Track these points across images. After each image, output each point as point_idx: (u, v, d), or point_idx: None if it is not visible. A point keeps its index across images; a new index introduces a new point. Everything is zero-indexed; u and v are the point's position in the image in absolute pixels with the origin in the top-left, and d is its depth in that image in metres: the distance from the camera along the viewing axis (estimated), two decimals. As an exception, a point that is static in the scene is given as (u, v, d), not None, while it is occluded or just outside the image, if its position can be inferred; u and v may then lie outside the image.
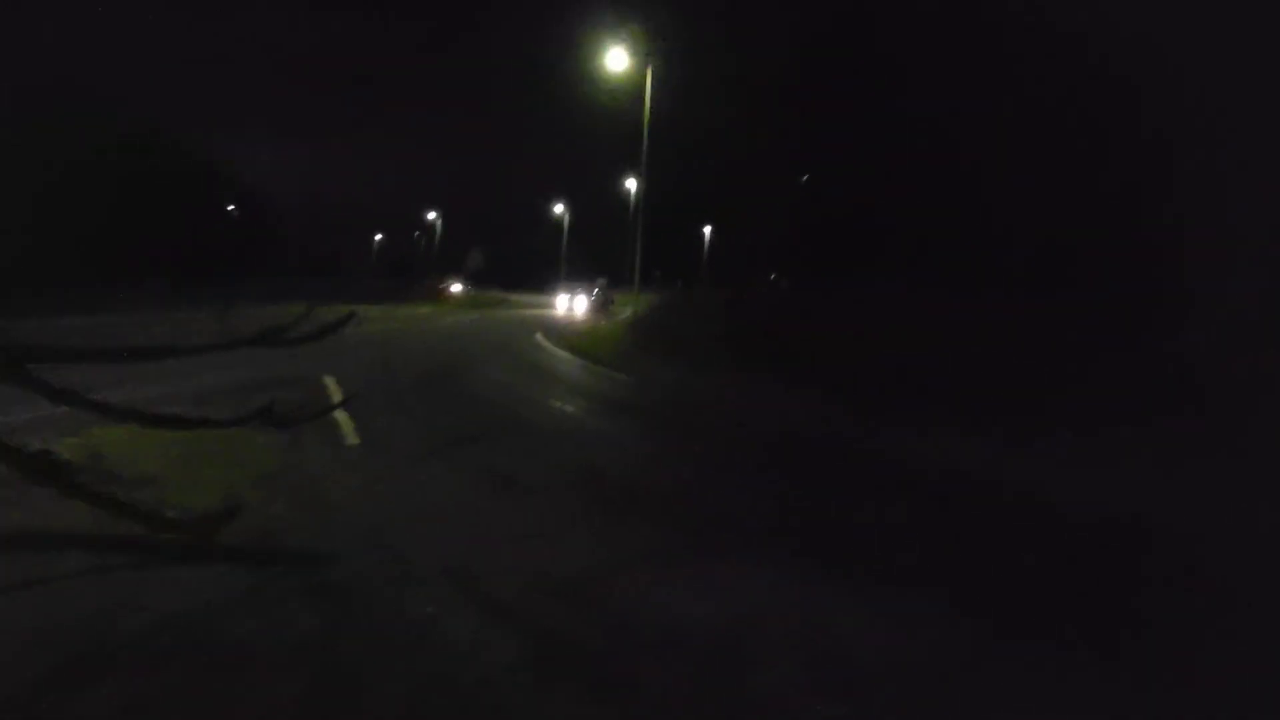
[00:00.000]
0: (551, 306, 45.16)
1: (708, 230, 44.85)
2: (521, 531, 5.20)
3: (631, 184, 38.44)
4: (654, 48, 21.67)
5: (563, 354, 18.16)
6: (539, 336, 22.77)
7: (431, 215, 70.66)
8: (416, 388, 11.75)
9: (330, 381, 11.19)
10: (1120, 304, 10.29)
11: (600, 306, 37.23)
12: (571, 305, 37.62)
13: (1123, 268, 10.72)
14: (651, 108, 21.74)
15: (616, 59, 21.43)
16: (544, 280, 58.69)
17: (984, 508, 6.65)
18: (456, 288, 53.92)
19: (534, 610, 3.84)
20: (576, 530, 5.33)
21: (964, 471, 7.95)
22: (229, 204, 52.21)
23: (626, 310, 29.20)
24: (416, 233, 75.78)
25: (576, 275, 72.07)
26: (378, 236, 79.14)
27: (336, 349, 16.33)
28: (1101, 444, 8.10)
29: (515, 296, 54.30)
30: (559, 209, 65.44)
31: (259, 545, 4.34)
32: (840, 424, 10.54)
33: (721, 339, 16.75)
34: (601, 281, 41.96)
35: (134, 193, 33.74)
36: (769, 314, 17.22)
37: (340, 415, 8.86)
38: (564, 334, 23.33)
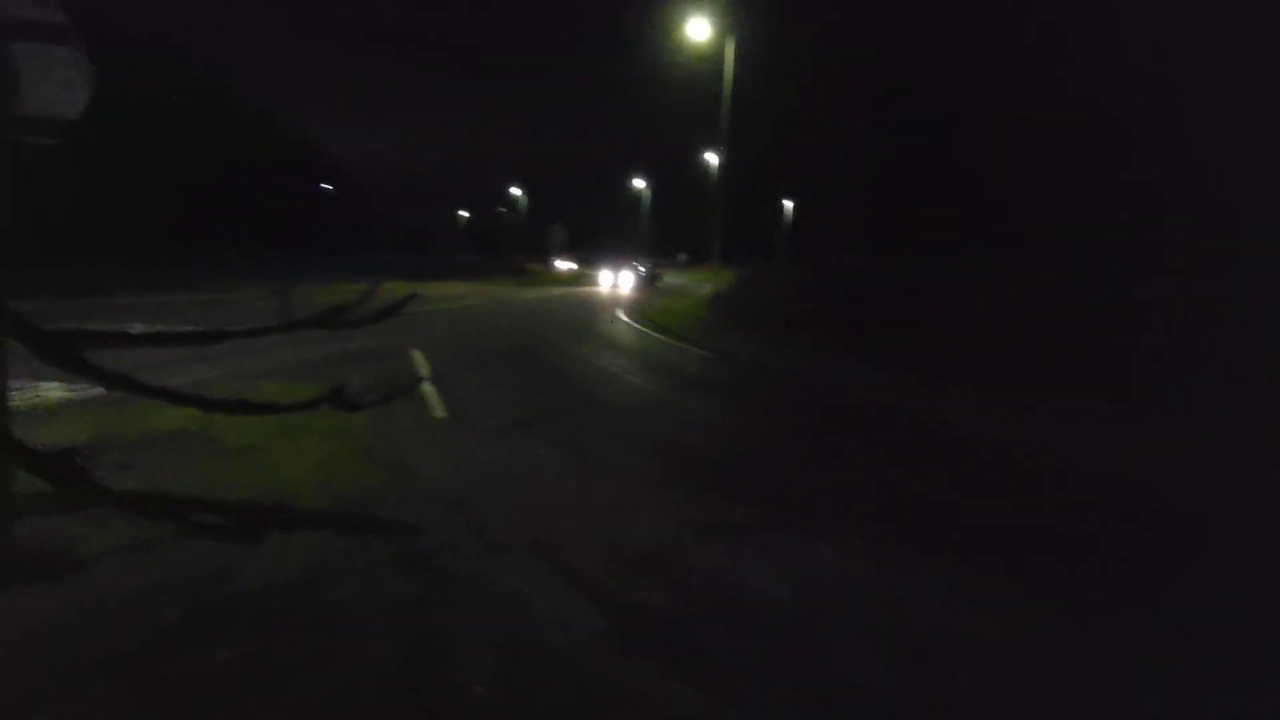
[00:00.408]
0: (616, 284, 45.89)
1: (789, 204, 43.84)
2: (601, 504, 5.27)
3: (712, 158, 38.00)
4: (734, 19, 21.18)
5: (643, 329, 18.21)
6: (619, 312, 22.91)
7: (516, 191, 71.75)
8: (499, 362, 12.03)
9: (418, 355, 11.58)
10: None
11: (646, 284, 36.56)
12: (616, 282, 36.64)
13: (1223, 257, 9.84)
14: (733, 78, 21.33)
15: (698, 28, 21.08)
16: (626, 256, 58.99)
17: (1082, 491, 6.31)
18: (565, 265, 54.48)
19: (614, 582, 3.88)
20: (654, 503, 5.35)
21: (1047, 450, 7.57)
22: (323, 181, 54.39)
23: (706, 286, 29.00)
24: (501, 208, 77.10)
25: (657, 250, 72.05)
26: (463, 212, 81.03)
27: (426, 323, 16.99)
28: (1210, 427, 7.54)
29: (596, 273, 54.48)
30: (639, 184, 65.36)
31: (354, 513, 4.54)
32: (923, 403, 10.19)
33: (803, 315, 16.42)
34: (649, 263, 41.58)
35: (232, 168, 35.56)
36: (851, 290, 16.73)
37: (428, 389, 9.18)
38: (645, 310, 23.38)
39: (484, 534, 4.56)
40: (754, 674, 3.07)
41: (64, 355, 2.64)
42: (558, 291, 34.55)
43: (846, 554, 4.43)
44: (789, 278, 20.60)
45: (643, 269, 37.88)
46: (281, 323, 2.91)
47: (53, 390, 7.72)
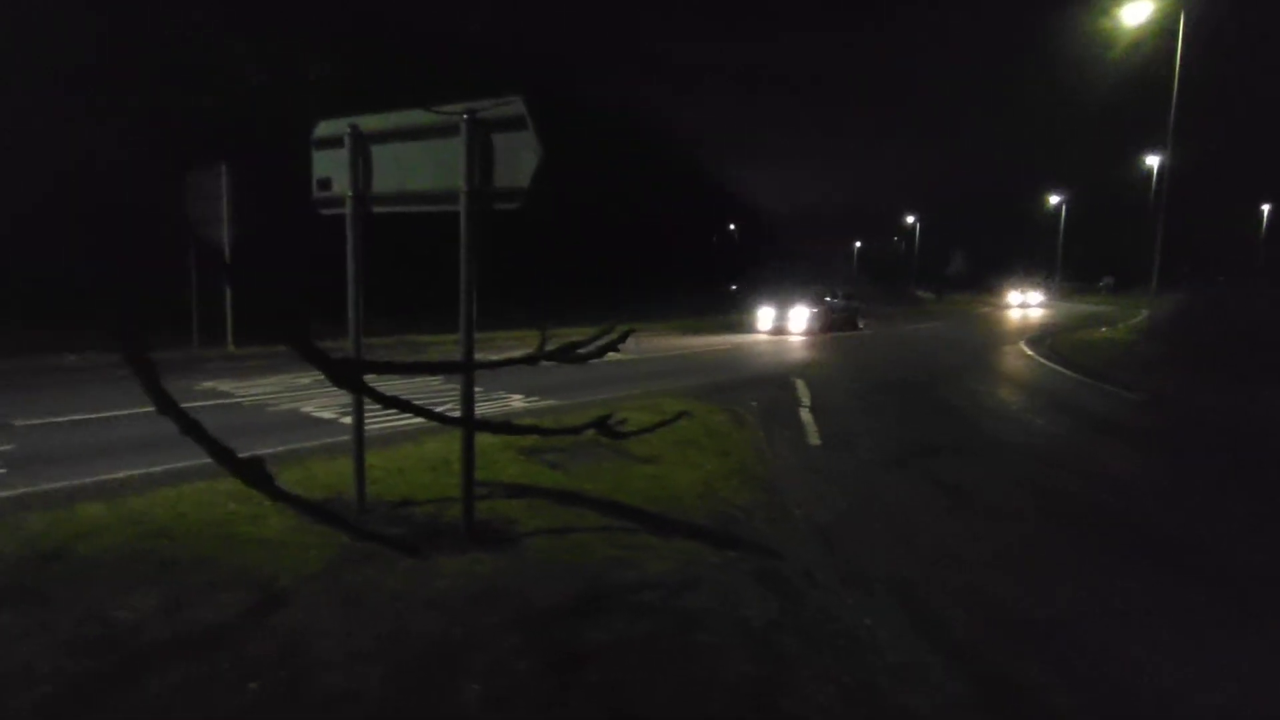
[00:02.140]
0: (1009, 305, 41.67)
1: (1266, 209, 34.37)
2: (979, 556, 4.81)
3: (1153, 161, 31.85)
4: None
5: (1051, 365, 16.03)
6: (1023, 344, 20.51)
7: (910, 219, 69.11)
8: (882, 393, 11.69)
9: (800, 383, 11.86)
10: None
11: (830, 323, 23.10)
12: (782, 321, 22.12)
13: None
14: (1182, 66, 17.69)
15: (1135, 11, 17.99)
16: (1037, 280, 52.68)
17: None
18: (1026, 296, 47.28)
19: (985, 647, 3.52)
20: (1045, 563, 4.70)
21: None
22: (729, 218, 58.92)
23: (1140, 313, 24.33)
24: (895, 238, 75.01)
25: (1078, 274, 62.66)
26: (857, 244, 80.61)
27: (815, 353, 17.34)
28: None
29: (1003, 300, 49.34)
30: (1054, 199, 57.76)
31: (723, 529, 4.86)
32: None
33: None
34: (841, 291, 26.56)
35: (659, 213, 40.54)
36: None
37: (806, 416, 9.37)
38: (1056, 344, 20.57)
39: (845, 567, 4.51)
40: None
41: (351, 380, 3.35)
42: (946, 320, 32.25)
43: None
44: (1259, 302, 16.22)
45: (827, 300, 23.98)
46: (523, 356, 3.32)
47: (516, 401, 9.74)
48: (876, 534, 5.20)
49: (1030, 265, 56.69)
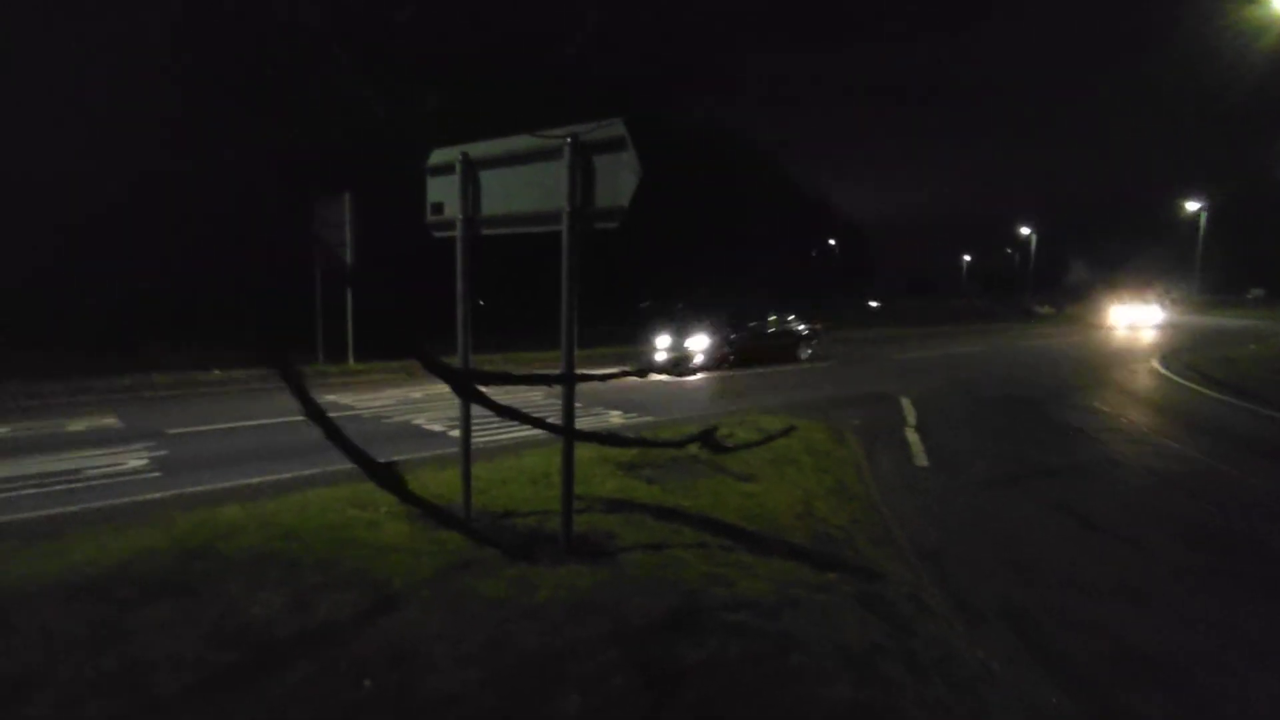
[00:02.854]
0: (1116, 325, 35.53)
1: None
2: (1102, 585, 4.49)
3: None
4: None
5: (1185, 381, 14.77)
6: (1155, 361, 19.00)
7: (1024, 230, 65.62)
8: (994, 412, 11.12)
9: (906, 401, 11.45)
10: None
11: (740, 355, 16.64)
12: (1134, 321, 17.95)
13: None
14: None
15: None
16: (1166, 291, 47.72)
17: None
18: (1138, 314, 38.44)
19: (1108, 683, 3.28)
20: (1177, 597, 4.33)
21: None
22: (829, 234, 57.79)
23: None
24: (1008, 249, 71.33)
25: (1225, 285, 57.27)
26: (966, 257, 77.20)
27: (921, 369, 16.70)
28: None
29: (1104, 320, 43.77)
30: (1191, 206, 53.33)
31: (822, 550, 4.75)
32: None
33: None
34: (776, 314, 18.64)
35: (757, 227, 40.35)
36: None
37: (911, 435, 9.03)
38: (1190, 358, 18.95)
39: (954, 594, 4.31)
40: None
41: (469, 391, 3.45)
42: (1068, 337, 30.29)
43: None
44: None
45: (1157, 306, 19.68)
46: (635, 370, 3.34)
47: (614, 417, 9.90)
48: (989, 559, 4.94)
49: (1159, 275, 51.88)
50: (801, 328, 18.49)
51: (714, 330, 16.42)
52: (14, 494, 6.12)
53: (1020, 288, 62.16)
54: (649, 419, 9.64)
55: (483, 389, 3.62)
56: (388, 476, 3.19)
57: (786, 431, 5.45)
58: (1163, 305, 41.98)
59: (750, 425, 7.95)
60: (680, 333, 16.56)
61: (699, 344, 16.10)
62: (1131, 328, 34.90)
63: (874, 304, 51.95)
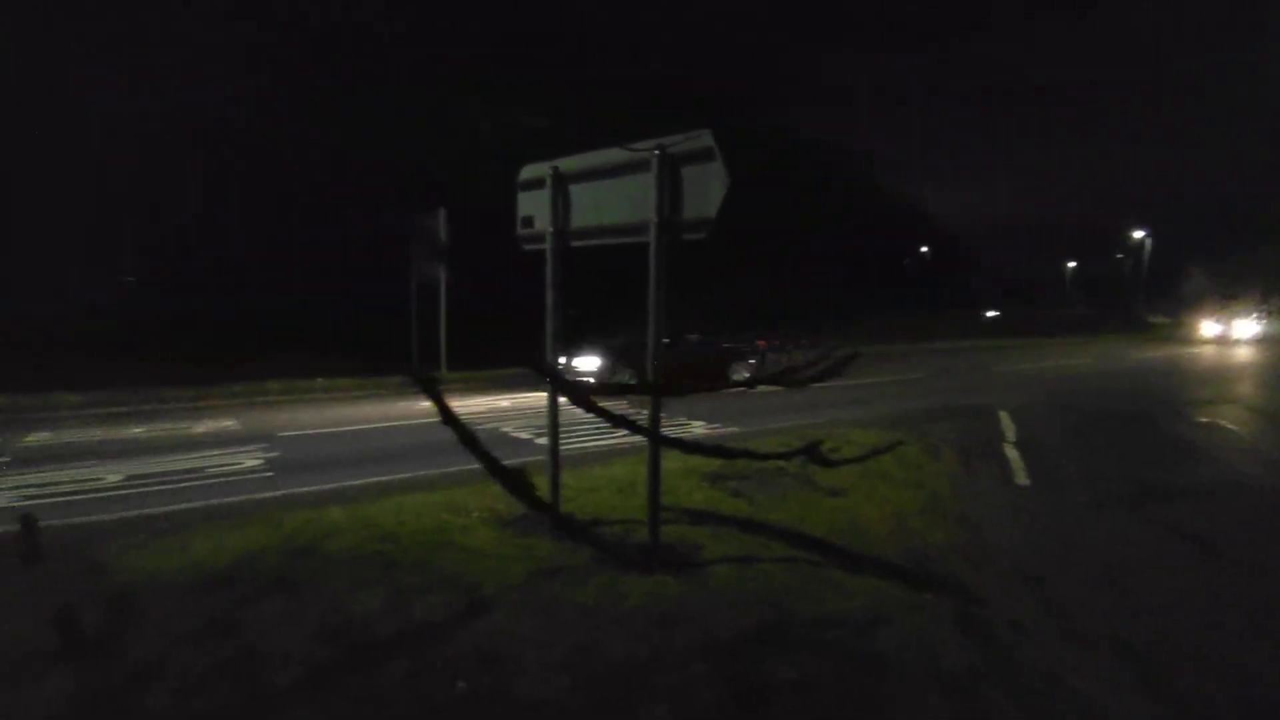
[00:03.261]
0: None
1: None
2: (1229, 618, 4.14)
3: None
4: None
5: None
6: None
7: (1139, 234, 61.53)
8: (1104, 428, 10.46)
9: (1005, 416, 10.92)
10: None
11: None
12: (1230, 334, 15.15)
13: None
14: None
15: None
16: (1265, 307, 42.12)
17: None
18: (1230, 328, 34.49)
19: (1238, 726, 3.02)
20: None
21: None
22: (921, 240, 55.87)
23: None
24: (1119, 254, 67.02)
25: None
26: (1070, 264, 73.01)
27: (1023, 382, 15.91)
28: None
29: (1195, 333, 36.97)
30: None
31: (916, 568, 4.58)
32: None
33: None
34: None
35: (849, 235, 39.60)
36: None
37: (1011, 451, 8.62)
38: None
39: (1061, 621, 4.07)
40: None
41: (582, 400, 3.47)
42: (1185, 349, 28.20)
43: None
44: None
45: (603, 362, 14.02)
46: (744, 380, 3.30)
47: (698, 427, 9.87)
48: (1098, 585, 4.64)
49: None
50: (741, 345, 15.38)
51: (608, 347, 13.71)
52: (147, 490, 6.67)
53: (1131, 296, 58.30)
54: (733, 429, 9.56)
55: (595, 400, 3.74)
56: (515, 480, 3.35)
57: (892, 447, 5.31)
58: (1261, 318, 37.68)
59: (840, 438, 7.76)
60: (602, 350, 13.76)
61: (588, 363, 13.54)
62: (1221, 340, 32.05)
63: (990, 314, 49.26)
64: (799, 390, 6.29)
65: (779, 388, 3.31)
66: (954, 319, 38.25)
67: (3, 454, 8.27)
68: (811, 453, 3.41)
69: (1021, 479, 7.43)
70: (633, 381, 12.14)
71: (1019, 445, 8.88)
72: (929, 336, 29.69)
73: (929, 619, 3.75)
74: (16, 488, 6.79)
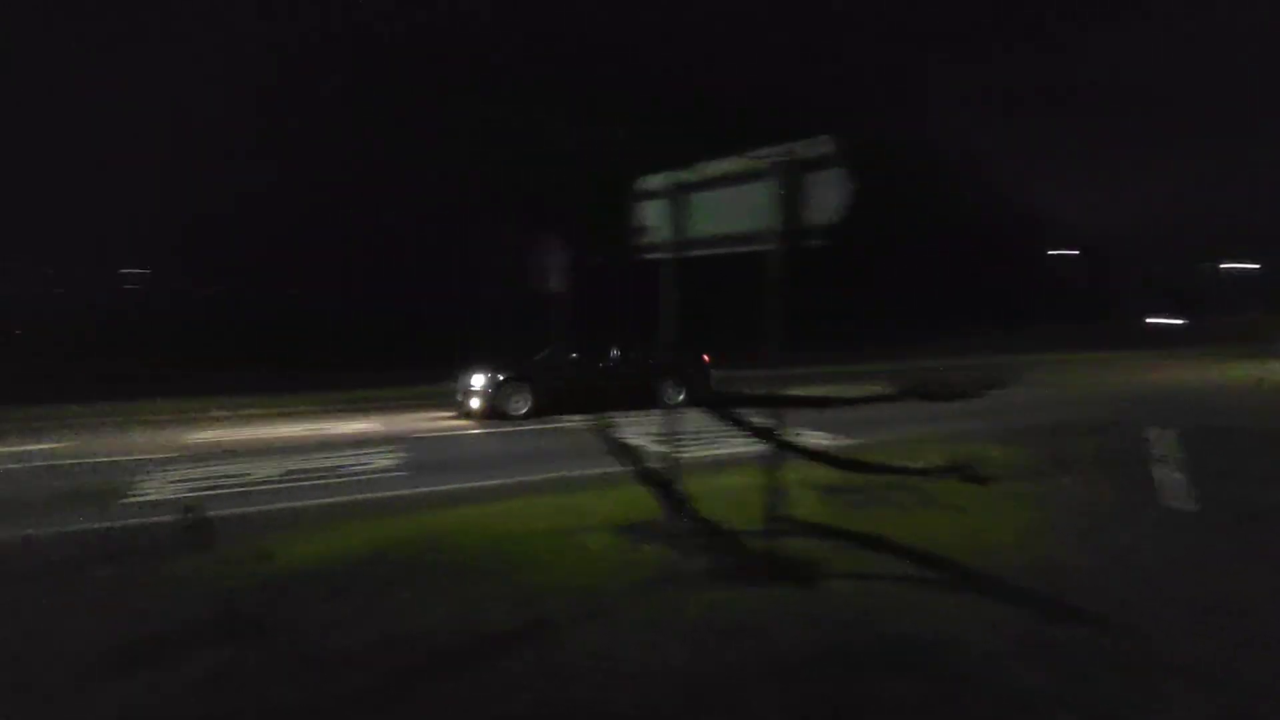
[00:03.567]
0: None
1: None
2: None
3: None
4: None
5: None
6: None
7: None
8: (1261, 450, 9.40)
9: (1153, 433, 10.03)
10: None
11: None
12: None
13: None
14: None
15: None
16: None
17: None
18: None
19: None
20: None
21: None
22: (1051, 245, 52.36)
23: None
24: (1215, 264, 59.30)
25: None
26: (1221, 264, 65.81)
27: (1165, 398, 14.57)
28: None
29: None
30: None
31: (1051, 594, 4.25)
32: None
33: None
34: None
35: (972, 243, 37.75)
36: None
37: (1159, 470, 7.91)
38: None
39: (1225, 663, 3.69)
40: None
41: (724, 413, 3.46)
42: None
43: None
44: None
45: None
46: (889, 393, 3.16)
47: (819, 439, 9.67)
48: (1269, 619, 4.17)
49: None
50: (674, 360, 12.61)
51: (499, 363, 12.48)
52: (301, 484, 7.40)
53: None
54: (855, 441, 9.29)
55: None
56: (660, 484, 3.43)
57: (1031, 465, 5.00)
58: None
59: (963, 454, 7.39)
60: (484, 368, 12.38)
61: (476, 382, 12.21)
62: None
63: (1153, 320, 44.36)
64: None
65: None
66: (1097, 329, 35.50)
67: (174, 451, 9.25)
68: (964, 471, 3.29)
69: (1171, 501, 6.80)
70: (524, 404, 11.90)
71: (1167, 463, 8.14)
72: (1067, 346, 27.74)
73: (1067, 651, 3.50)
74: (186, 479, 7.59)
